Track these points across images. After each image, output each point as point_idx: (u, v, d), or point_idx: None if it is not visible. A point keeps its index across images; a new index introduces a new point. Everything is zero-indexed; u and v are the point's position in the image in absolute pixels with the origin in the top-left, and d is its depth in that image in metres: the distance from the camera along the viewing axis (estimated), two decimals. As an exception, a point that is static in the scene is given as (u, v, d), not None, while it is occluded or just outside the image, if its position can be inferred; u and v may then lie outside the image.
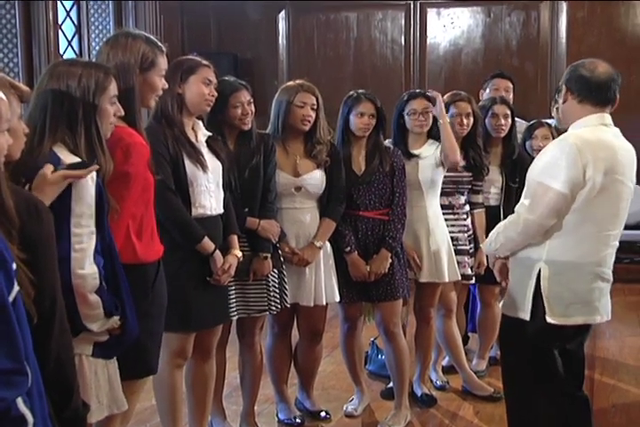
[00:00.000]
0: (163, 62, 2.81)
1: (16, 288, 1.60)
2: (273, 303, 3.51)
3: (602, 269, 2.90)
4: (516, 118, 4.64)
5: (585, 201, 2.78)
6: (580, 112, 2.87)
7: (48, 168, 2.18)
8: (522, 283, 2.92)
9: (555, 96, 3.01)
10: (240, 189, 3.42)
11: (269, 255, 3.46)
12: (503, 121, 4.36)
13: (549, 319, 2.85)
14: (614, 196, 2.83)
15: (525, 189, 2.94)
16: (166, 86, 2.88)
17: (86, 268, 2.23)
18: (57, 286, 1.92)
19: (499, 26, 7.68)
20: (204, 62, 3.21)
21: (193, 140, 3.18)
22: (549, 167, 2.80)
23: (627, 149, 2.89)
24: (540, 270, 2.86)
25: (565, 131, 2.98)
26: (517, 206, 2.94)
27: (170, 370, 3.19)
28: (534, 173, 2.87)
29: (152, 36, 2.85)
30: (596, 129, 2.84)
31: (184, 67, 3.17)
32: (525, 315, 2.89)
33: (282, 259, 3.57)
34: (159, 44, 2.83)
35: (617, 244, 2.94)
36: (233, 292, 3.41)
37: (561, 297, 2.86)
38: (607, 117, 2.90)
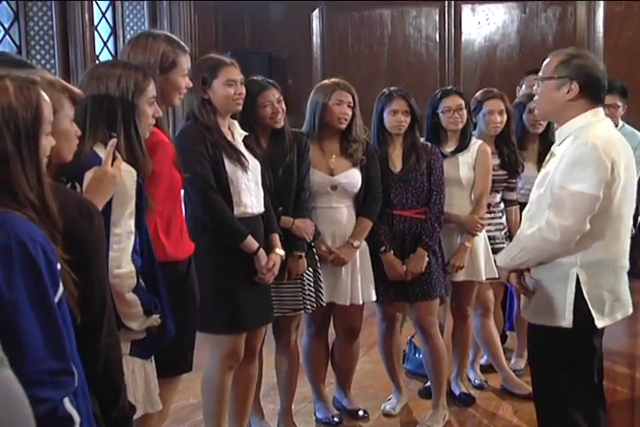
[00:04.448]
0: (185, 61, 2.80)
1: (61, 289, 1.61)
2: (308, 302, 3.51)
3: (625, 261, 2.90)
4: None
5: (613, 199, 2.75)
6: (579, 109, 2.82)
7: (107, 163, 2.21)
8: (556, 290, 2.84)
9: (537, 83, 2.95)
10: (274, 188, 3.41)
11: (304, 254, 3.46)
12: (541, 117, 4.32)
13: (600, 323, 2.81)
14: (631, 190, 2.84)
15: (550, 198, 2.81)
16: (190, 85, 2.87)
17: (123, 267, 2.25)
18: (106, 287, 1.94)
19: (534, 21, 7.61)
20: (226, 61, 3.17)
21: (230, 139, 3.17)
22: (576, 172, 2.73)
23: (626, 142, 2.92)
24: (577, 276, 2.79)
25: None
26: (546, 218, 2.79)
27: (221, 372, 3.21)
28: (558, 180, 2.78)
29: (174, 36, 2.85)
30: (599, 124, 2.82)
31: (204, 70, 3.14)
32: (567, 323, 2.81)
33: (317, 258, 3.57)
34: (181, 43, 2.83)
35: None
36: (268, 291, 3.41)
37: (602, 298, 2.82)
38: (601, 111, 2.88)
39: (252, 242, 3.13)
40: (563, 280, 2.82)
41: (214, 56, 3.24)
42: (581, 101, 2.82)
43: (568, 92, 2.81)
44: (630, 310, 2.94)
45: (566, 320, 2.82)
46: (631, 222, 2.91)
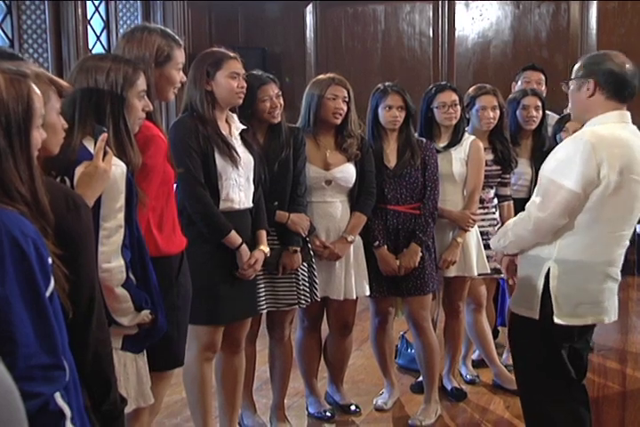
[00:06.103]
0: (179, 55, 2.80)
1: (52, 283, 1.61)
2: (302, 297, 3.51)
3: (613, 270, 2.84)
4: (547, 111, 4.60)
5: (599, 200, 2.71)
6: (604, 108, 2.77)
7: (98, 158, 2.20)
8: (531, 281, 2.87)
9: (567, 87, 2.90)
10: (269, 183, 3.41)
11: (299, 249, 3.46)
12: (534, 113, 4.33)
13: (557, 320, 2.79)
14: (629, 195, 2.75)
15: (537, 186, 2.87)
16: (184, 79, 2.87)
17: (113, 261, 2.25)
18: (95, 281, 1.94)
19: (528, 17, 7.62)
20: (229, 54, 3.18)
21: (226, 133, 3.17)
22: (563, 165, 2.73)
23: None
24: (549, 269, 2.81)
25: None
26: (528, 204, 2.86)
27: (199, 363, 3.21)
28: (547, 170, 2.80)
29: (168, 30, 2.84)
30: (614, 126, 2.76)
31: (209, 62, 3.14)
32: (534, 314, 2.84)
33: (312, 253, 3.57)
34: (176, 37, 2.82)
35: (627, 243, 2.88)
36: (262, 285, 3.41)
37: (570, 297, 2.81)
38: (627, 115, 2.82)
39: (234, 237, 3.13)
40: (537, 271, 2.84)
41: (218, 49, 3.24)
42: (608, 102, 2.77)
43: (587, 90, 2.78)
44: (607, 319, 2.89)
45: (534, 311, 2.85)
46: (629, 231, 2.84)
